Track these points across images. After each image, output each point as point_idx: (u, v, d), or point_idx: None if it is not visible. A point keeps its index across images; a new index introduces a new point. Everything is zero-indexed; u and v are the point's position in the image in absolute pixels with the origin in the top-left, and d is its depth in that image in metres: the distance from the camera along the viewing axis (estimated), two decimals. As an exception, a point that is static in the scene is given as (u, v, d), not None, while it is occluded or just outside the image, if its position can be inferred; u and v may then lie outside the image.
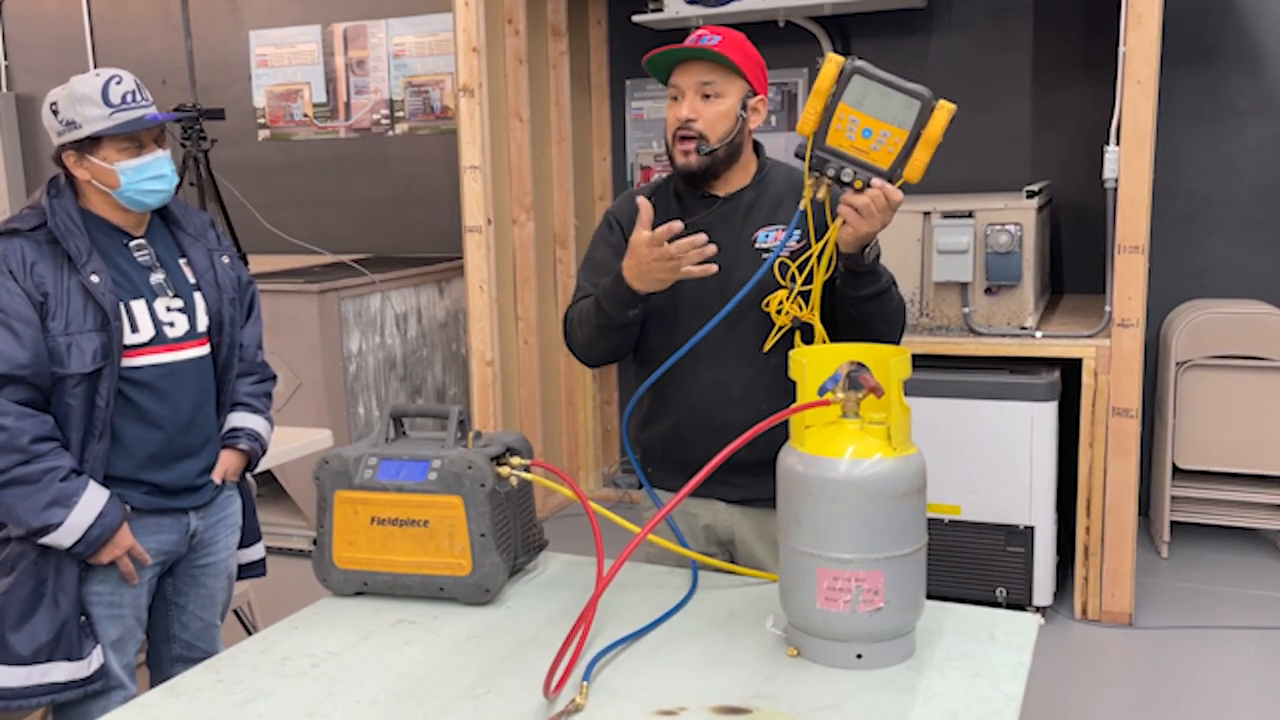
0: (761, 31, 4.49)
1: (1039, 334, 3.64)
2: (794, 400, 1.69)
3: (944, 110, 1.82)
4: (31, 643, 2.13)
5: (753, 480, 2.11)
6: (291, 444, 3.25)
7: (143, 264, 2.25)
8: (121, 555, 2.19)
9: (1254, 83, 4.20)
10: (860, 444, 1.61)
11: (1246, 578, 3.94)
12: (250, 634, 2.71)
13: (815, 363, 1.69)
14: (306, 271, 4.96)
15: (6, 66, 6.68)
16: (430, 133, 5.75)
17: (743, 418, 1.93)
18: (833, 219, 1.95)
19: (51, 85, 2.21)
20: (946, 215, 3.68)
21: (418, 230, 5.80)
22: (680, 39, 2.14)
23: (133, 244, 2.25)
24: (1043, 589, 3.61)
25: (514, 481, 1.93)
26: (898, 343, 2.11)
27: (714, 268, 1.97)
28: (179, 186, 2.35)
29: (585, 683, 1.59)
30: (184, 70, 5.75)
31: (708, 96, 2.08)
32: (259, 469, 2.58)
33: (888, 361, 1.62)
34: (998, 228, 3.62)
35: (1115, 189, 3.49)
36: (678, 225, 1.93)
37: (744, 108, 2.10)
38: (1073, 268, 4.45)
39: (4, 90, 6.65)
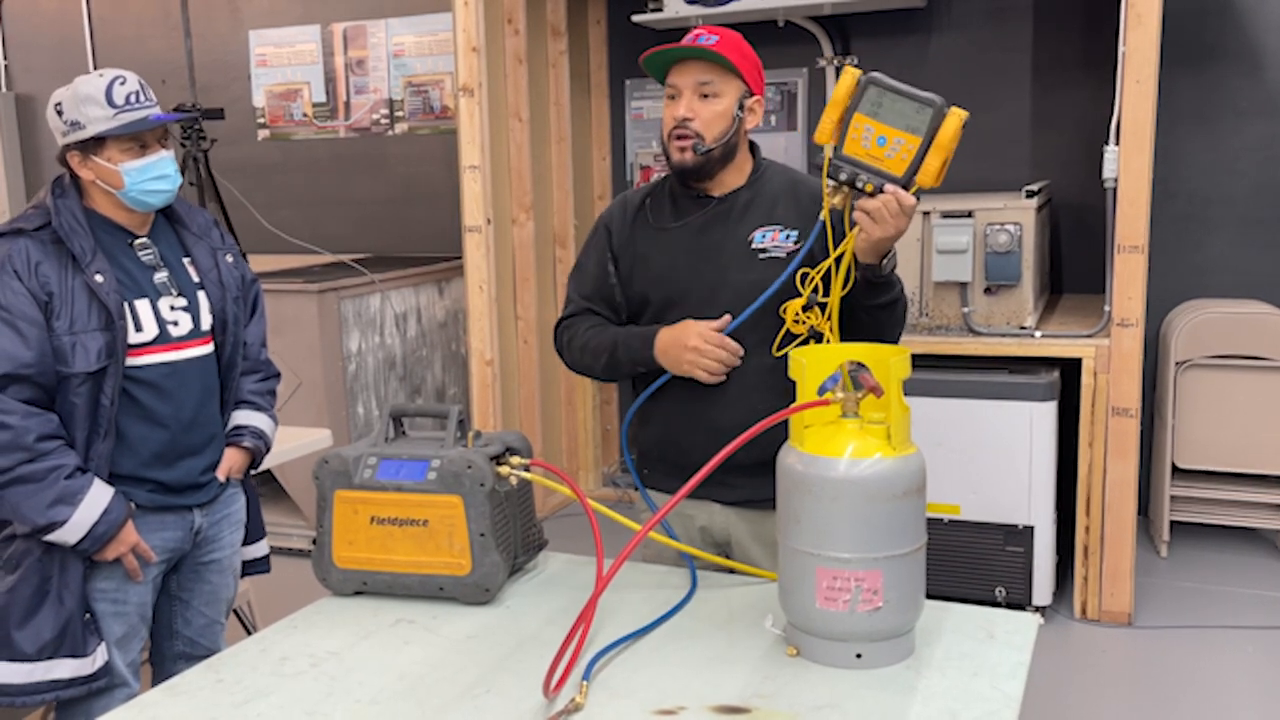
0: (761, 31, 4.49)
1: (1038, 334, 3.64)
2: (790, 400, 1.70)
3: (955, 116, 1.85)
4: (36, 640, 2.14)
5: (749, 481, 2.11)
6: (291, 444, 3.25)
7: (147, 263, 2.26)
8: (126, 552, 2.20)
9: (1253, 82, 4.20)
10: (860, 443, 1.61)
11: (1246, 577, 3.94)
12: (250, 633, 2.71)
13: (815, 363, 1.69)
14: (306, 271, 4.96)
15: (6, 66, 6.68)
16: (430, 132, 5.75)
17: (738, 419, 1.93)
18: (850, 228, 1.96)
19: (51, 85, 2.22)
20: (946, 215, 3.68)
21: (417, 230, 5.80)
22: (680, 39, 2.14)
23: (137, 243, 2.26)
24: (1042, 588, 3.61)
25: (514, 481, 1.94)
26: (897, 341, 2.11)
27: (722, 376, 2.07)
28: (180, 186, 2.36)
29: (585, 682, 1.59)
30: (184, 70, 5.74)
31: (705, 96, 2.09)
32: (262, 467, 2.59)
33: (887, 361, 1.62)
34: (997, 227, 3.62)
35: (1115, 189, 3.49)
36: (735, 347, 2.04)
37: (741, 108, 2.11)
38: (1072, 267, 4.45)
39: (4, 90, 6.65)
